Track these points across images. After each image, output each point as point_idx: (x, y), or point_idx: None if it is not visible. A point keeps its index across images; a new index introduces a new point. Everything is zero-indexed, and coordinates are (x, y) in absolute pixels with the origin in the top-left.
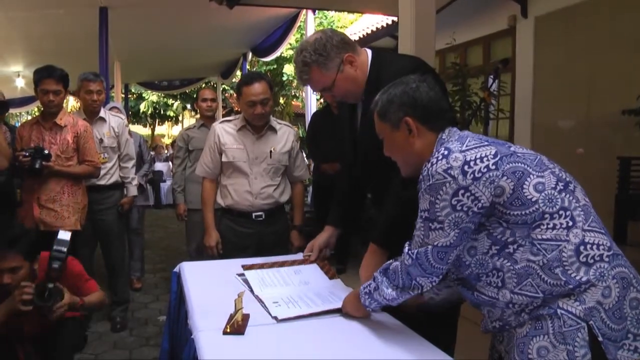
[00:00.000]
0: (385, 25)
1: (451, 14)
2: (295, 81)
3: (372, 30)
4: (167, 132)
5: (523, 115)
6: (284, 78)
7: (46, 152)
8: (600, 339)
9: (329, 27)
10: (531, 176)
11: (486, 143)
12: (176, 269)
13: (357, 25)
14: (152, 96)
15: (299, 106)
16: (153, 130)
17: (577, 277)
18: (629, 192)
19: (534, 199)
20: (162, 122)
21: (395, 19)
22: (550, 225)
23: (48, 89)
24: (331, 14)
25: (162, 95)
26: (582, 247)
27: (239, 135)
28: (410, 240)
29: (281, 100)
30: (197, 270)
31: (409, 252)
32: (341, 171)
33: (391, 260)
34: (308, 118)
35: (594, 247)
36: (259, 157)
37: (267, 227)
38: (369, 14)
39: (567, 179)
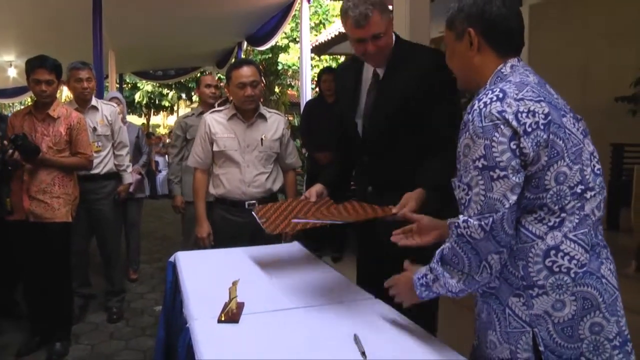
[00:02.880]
0: None
1: (446, 2)
2: (291, 70)
3: None
4: (163, 122)
5: None
6: (279, 67)
7: (20, 134)
8: (541, 348)
9: (324, 15)
10: (561, 162)
11: (542, 99)
12: (171, 259)
13: None
14: (147, 86)
15: (295, 95)
16: (148, 120)
17: (535, 278)
18: (621, 179)
19: (547, 187)
20: (157, 112)
21: (390, 7)
22: (539, 218)
23: (40, 79)
24: (326, 2)
25: (157, 84)
26: (552, 252)
27: (230, 124)
28: (464, 208)
29: (276, 89)
30: (192, 260)
31: (481, 222)
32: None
33: (442, 247)
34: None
35: (566, 257)
36: (250, 145)
37: None
38: None
39: (591, 185)
